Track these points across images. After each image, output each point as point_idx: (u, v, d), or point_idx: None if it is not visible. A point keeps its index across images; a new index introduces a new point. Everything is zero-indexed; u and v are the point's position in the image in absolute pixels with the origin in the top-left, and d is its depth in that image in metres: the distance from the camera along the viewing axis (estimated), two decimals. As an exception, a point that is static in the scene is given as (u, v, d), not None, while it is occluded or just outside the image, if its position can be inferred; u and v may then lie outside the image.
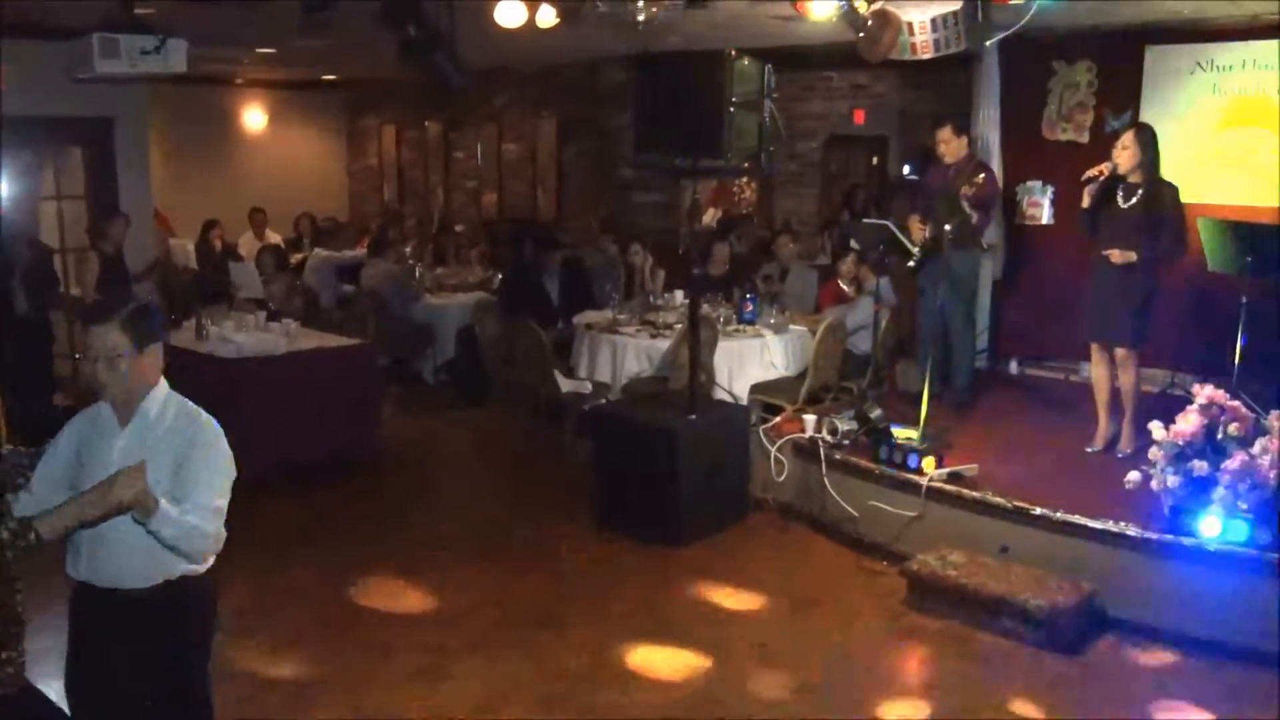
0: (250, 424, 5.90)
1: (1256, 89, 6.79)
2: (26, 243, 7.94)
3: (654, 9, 5.91)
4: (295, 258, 10.77)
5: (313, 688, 4.30)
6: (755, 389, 6.94)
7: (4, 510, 2.65)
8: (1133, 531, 4.75)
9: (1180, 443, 4.81)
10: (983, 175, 6.57)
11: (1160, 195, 5.55)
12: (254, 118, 13.89)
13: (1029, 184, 7.79)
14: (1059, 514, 4.97)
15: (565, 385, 7.34)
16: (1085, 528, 4.88)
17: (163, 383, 2.89)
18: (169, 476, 2.74)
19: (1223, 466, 4.65)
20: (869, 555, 5.62)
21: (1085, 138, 7.50)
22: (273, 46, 9.62)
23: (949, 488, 5.39)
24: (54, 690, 2.95)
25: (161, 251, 10.04)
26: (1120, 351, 5.74)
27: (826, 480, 5.87)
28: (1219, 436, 4.78)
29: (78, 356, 2.82)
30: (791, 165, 11.24)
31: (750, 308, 7.37)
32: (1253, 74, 6.79)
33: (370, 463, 7.08)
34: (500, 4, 6.37)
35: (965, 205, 6.45)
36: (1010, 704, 4.22)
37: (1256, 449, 4.65)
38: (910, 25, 5.97)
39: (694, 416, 5.90)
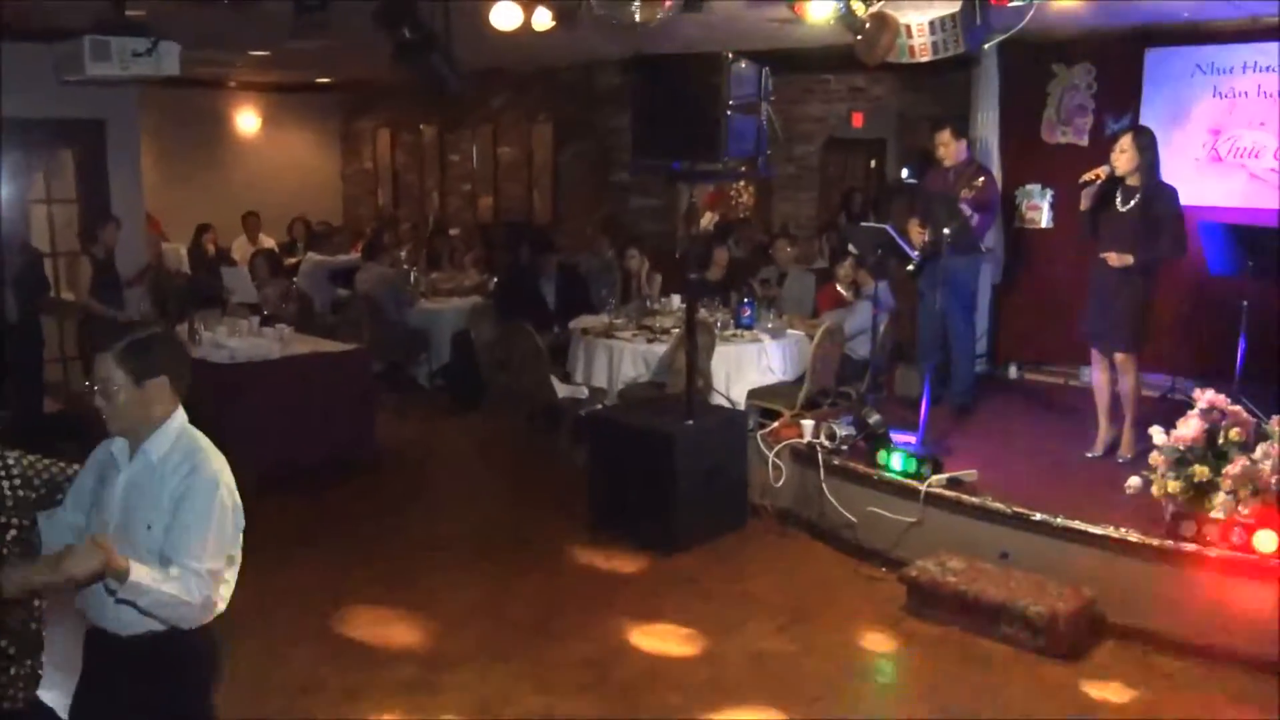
0: (244, 430, 5.88)
1: (1257, 91, 6.76)
2: (18, 247, 7.89)
3: (650, 11, 5.86)
4: (289, 262, 10.73)
5: (309, 692, 4.27)
6: (753, 394, 6.91)
7: None
8: (1133, 537, 4.74)
9: (1181, 448, 4.79)
10: (982, 179, 6.55)
11: (1159, 198, 5.53)
12: (247, 120, 13.83)
13: (1028, 187, 7.78)
14: (1059, 519, 4.95)
15: (561, 390, 7.31)
16: (1085, 533, 4.86)
17: (175, 419, 2.67)
18: (163, 529, 2.57)
19: (1224, 472, 4.62)
20: (868, 561, 5.59)
21: (1085, 141, 7.48)
22: (266, 49, 9.58)
23: (948, 493, 5.37)
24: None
25: (154, 256, 9.96)
26: (1120, 356, 5.71)
27: (825, 486, 5.84)
28: (1220, 441, 4.75)
29: (87, 384, 2.67)
30: (789, 168, 11.19)
31: (748, 312, 7.34)
32: (1253, 76, 6.77)
33: (366, 468, 7.05)
34: (496, 6, 6.33)
35: (965, 209, 6.42)
36: (1010, 711, 4.19)
37: (1258, 454, 4.63)
38: (908, 28, 5.94)
39: (691, 422, 5.87)
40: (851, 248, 7.82)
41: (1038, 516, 5.02)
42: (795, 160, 11.21)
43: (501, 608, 5.12)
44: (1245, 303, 5.73)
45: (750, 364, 6.99)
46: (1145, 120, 6.79)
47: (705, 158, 5.49)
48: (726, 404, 6.73)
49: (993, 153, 7.61)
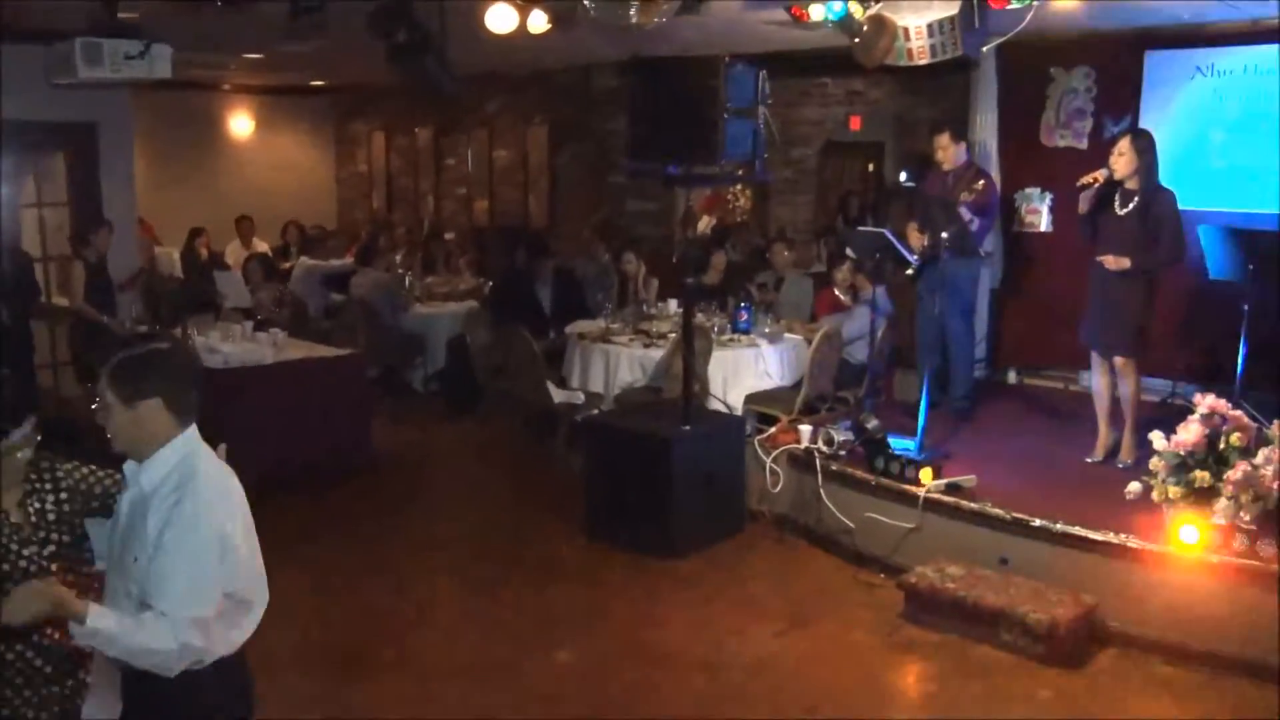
0: (237, 436, 5.78)
1: (1257, 94, 6.74)
2: (8, 252, 7.84)
3: (648, 14, 5.83)
4: (283, 266, 10.69)
5: (304, 699, 4.23)
6: (750, 399, 6.87)
7: None
8: (1134, 543, 4.70)
9: (1182, 453, 4.76)
10: (982, 182, 6.52)
11: (1157, 201, 5.50)
12: (241, 124, 13.78)
13: (1027, 191, 7.75)
14: (1059, 525, 4.92)
15: (557, 395, 7.28)
16: (1085, 539, 4.82)
17: (174, 445, 2.47)
18: (148, 564, 2.38)
19: (1225, 477, 4.60)
20: (866, 568, 5.55)
21: (1084, 144, 7.45)
22: (260, 51, 9.54)
23: (947, 499, 5.33)
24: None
25: (146, 260, 9.92)
26: (1120, 360, 5.69)
27: (823, 492, 5.81)
28: (1221, 446, 4.73)
29: (88, 386, 2.58)
30: (787, 172, 11.18)
31: (745, 317, 7.31)
32: (1253, 79, 6.75)
33: (361, 474, 7.01)
34: (491, 9, 6.30)
35: (964, 212, 6.40)
36: (1010, 719, 4.16)
37: (1259, 459, 4.60)
38: (906, 30, 5.91)
39: (688, 427, 5.84)
40: (849, 252, 7.80)
41: (1037, 522, 4.98)
42: (793, 164, 11.21)
43: (498, 614, 5.09)
44: (1246, 307, 5.70)
45: (747, 369, 6.95)
46: (1145, 123, 6.76)
47: (702, 161, 5.47)
48: (724, 409, 6.70)
49: (992, 156, 7.59)
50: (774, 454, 6.15)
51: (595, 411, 6.92)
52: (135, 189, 9.13)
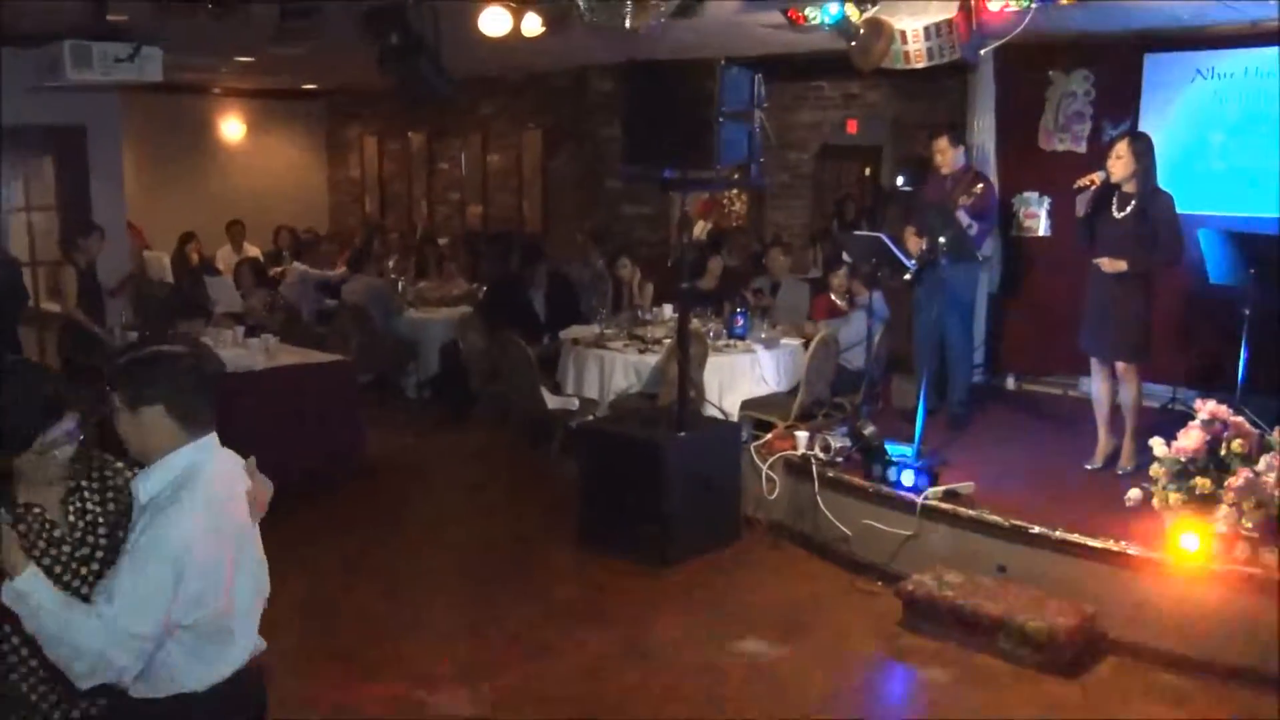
0: (229, 442, 5.73)
1: (1258, 96, 6.71)
2: (-4, 258, 7.79)
3: (642, 17, 5.79)
4: (274, 271, 10.63)
5: (298, 709, 4.15)
6: (746, 405, 6.84)
7: None
8: (1134, 551, 4.67)
9: (1182, 459, 4.74)
10: (980, 186, 6.49)
11: (1155, 204, 5.47)
12: (231, 127, 13.73)
13: (1025, 195, 7.71)
14: (1058, 533, 4.89)
15: (551, 401, 7.24)
16: (1085, 547, 4.80)
17: (177, 457, 2.36)
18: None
19: (1226, 484, 4.57)
20: (863, 575, 5.51)
21: (1083, 148, 7.41)
22: (251, 55, 9.49)
23: (945, 506, 5.30)
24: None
25: (136, 265, 9.87)
26: (1120, 366, 5.66)
27: (819, 499, 5.77)
28: (1222, 453, 4.70)
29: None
30: (783, 176, 11.16)
31: (741, 322, 7.28)
32: (1254, 81, 6.72)
33: (354, 480, 6.96)
34: (485, 11, 6.26)
35: (963, 216, 6.36)
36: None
37: (1261, 465, 4.57)
38: (903, 34, 5.89)
39: (683, 433, 5.81)
40: (846, 256, 7.76)
41: (1036, 529, 4.95)
42: (789, 168, 11.18)
43: (491, 621, 5.05)
44: (1247, 311, 5.66)
45: (743, 375, 6.92)
46: (1144, 126, 6.74)
47: (698, 165, 5.45)
48: (719, 415, 6.66)
49: (990, 160, 7.55)
50: (770, 461, 6.12)
51: (590, 418, 6.89)
52: (125, 193, 9.08)
